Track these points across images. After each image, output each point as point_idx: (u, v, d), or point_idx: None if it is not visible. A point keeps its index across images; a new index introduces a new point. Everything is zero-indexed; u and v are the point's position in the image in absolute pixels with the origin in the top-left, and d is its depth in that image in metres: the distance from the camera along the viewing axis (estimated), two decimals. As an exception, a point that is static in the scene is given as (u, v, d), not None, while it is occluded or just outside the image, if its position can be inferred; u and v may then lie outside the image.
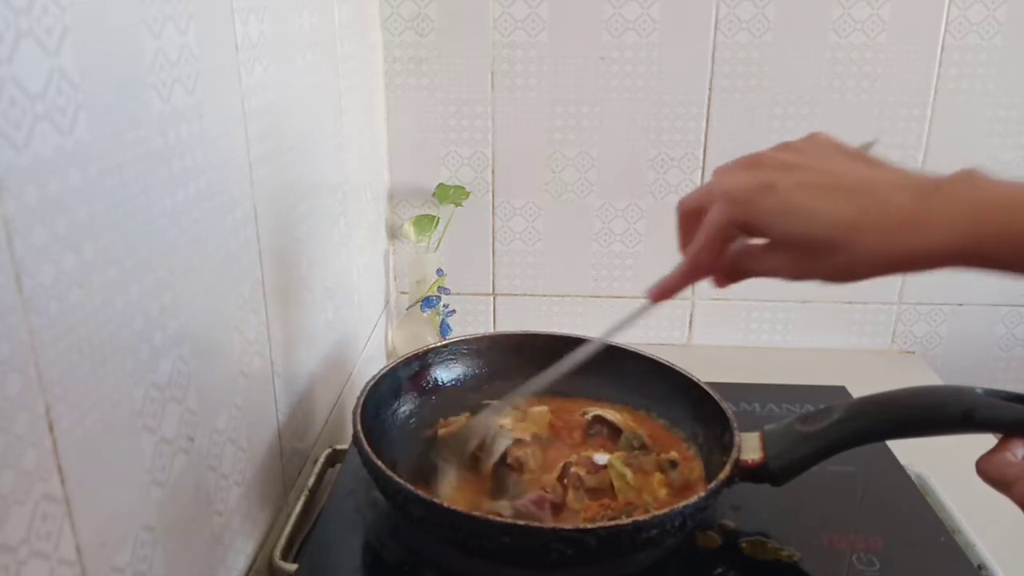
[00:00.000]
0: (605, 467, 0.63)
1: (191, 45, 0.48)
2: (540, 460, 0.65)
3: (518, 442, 0.65)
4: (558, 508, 0.60)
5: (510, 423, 0.68)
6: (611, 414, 0.69)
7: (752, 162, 0.46)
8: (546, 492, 0.60)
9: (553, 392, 0.74)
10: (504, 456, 0.64)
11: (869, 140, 0.48)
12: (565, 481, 0.61)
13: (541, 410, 0.71)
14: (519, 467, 0.63)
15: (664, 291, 0.50)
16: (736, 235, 0.47)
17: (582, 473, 0.62)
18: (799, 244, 0.43)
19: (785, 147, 0.46)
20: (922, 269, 0.41)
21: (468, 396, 0.74)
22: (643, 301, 0.52)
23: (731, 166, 0.47)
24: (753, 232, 0.45)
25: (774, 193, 0.43)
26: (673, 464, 0.63)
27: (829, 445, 0.59)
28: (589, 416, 0.70)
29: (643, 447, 0.66)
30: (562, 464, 0.63)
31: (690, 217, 0.49)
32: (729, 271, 0.49)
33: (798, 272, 0.45)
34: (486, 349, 0.76)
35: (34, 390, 0.34)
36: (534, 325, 1.12)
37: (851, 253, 0.41)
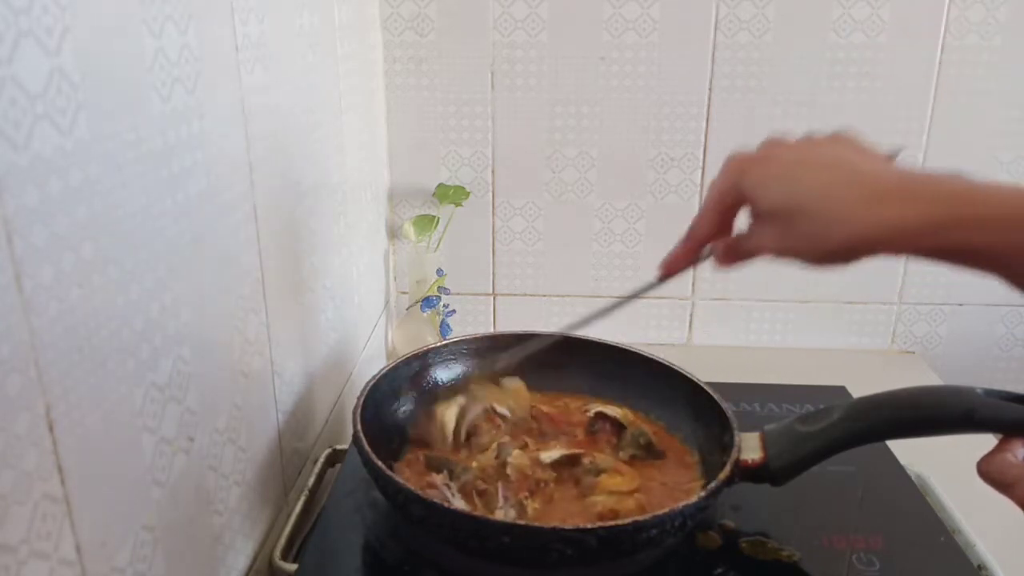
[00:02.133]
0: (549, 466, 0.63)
1: (191, 45, 0.48)
2: (493, 436, 0.66)
3: (486, 412, 0.67)
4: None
5: (485, 393, 0.70)
6: (614, 410, 0.69)
7: (768, 143, 0.49)
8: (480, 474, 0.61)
9: (554, 389, 0.74)
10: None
11: (896, 147, 0.50)
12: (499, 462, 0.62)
13: (516, 384, 0.72)
14: (474, 432, 0.65)
15: (671, 264, 0.53)
16: (735, 205, 0.49)
17: (522, 467, 0.62)
18: (781, 213, 0.45)
19: (805, 137, 0.49)
20: (900, 248, 0.42)
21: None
22: (652, 278, 0.54)
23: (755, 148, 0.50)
24: (746, 200, 0.48)
25: (768, 163, 0.47)
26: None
27: (829, 445, 0.59)
28: (591, 413, 0.70)
29: (648, 444, 0.66)
30: (497, 444, 0.64)
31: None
32: (730, 252, 0.51)
33: (782, 245, 0.47)
34: (486, 349, 0.76)
35: (34, 390, 0.34)
36: (534, 325, 1.12)
37: (824, 220, 0.43)
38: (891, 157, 0.47)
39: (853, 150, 0.46)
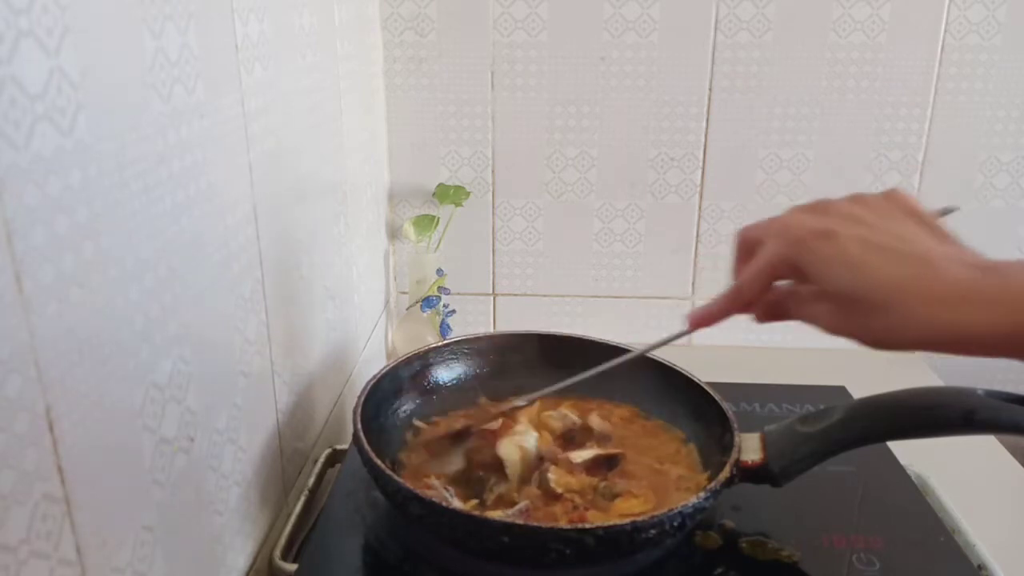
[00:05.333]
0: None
1: (191, 45, 0.48)
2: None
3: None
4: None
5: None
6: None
7: (820, 207, 0.46)
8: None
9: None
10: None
11: (949, 207, 0.47)
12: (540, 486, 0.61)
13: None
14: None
15: (704, 318, 0.50)
16: (786, 275, 0.46)
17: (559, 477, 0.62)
18: (844, 298, 0.43)
19: (858, 199, 0.46)
20: (966, 351, 0.40)
21: (468, 396, 0.74)
22: (680, 325, 0.52)
23: (801, 207, 0.46)
24: (803, 276, 0.45)
25: (831, 241, 0.43)
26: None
27: (829, 446, 0.59)
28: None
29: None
30: (538, 475, 0.62)
31: (747, 246, 0.49)
32: (772, 309, 0.49)
33: (838, 326, 0.44)
34: (486, 349, 0.76)
35: (34, 390, 0.34)
36: (534, 325, 1.12)
37: (893, 317, 0.40)
38: (944, 215, 0.45)
39: (915, 223, 0.43)
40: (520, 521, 0.56)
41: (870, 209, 0.45)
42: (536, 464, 0.63)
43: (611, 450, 0.65)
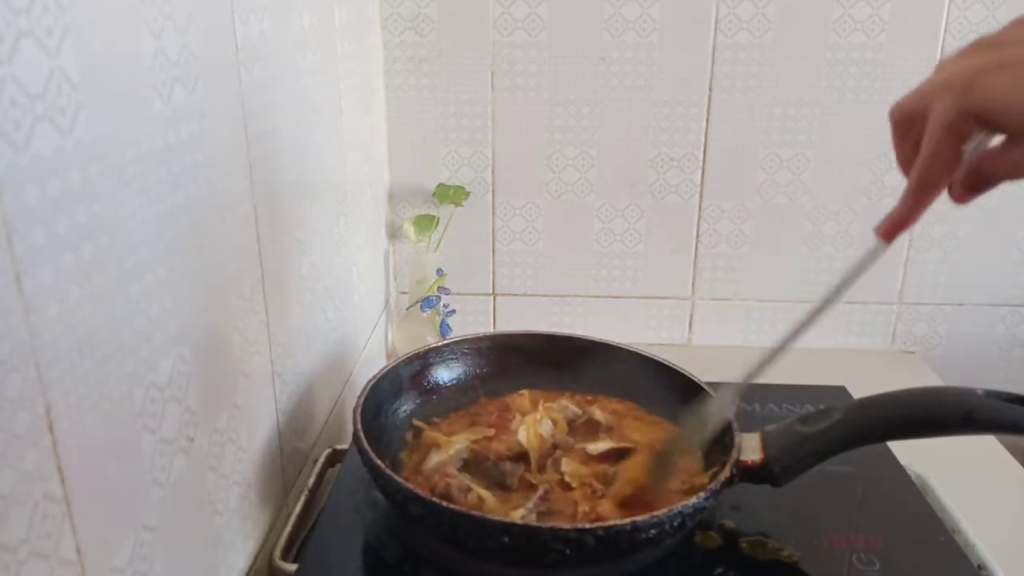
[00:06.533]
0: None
1: (191, 45, 0.48)
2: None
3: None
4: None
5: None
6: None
7: (974, 45, 0.40)
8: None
9: (554, 388, 0.74)
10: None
11: None
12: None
13: (520, 395, 0.72)
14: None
15: (897, 223, 0.45)
16: (971, 132, 0.40)
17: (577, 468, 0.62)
18: None
19: (1001, 32, 0.40)
20: None
21: (468, 396, 0.74)
22: (874, 242, 0.46)
23: (954, 57, 0.41)
24: (989, 121, 0.39)
25: (1007, 71, 0.37)
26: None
27: (829, 446, 0.59)
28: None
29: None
30: (549, 462, 0.63)
31: (906, 123, 0.43)
32: (969, 182, 0.42)
33: None
34: (486, 349, 0.77)
35: (34, 390, 0.34)
36: (534, 325, 1.12)
37: None
38: None
39: None
40: (519, 521, 0.56)
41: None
42: (550, 451, 0.64)
43: (624, 444, 0.65)
